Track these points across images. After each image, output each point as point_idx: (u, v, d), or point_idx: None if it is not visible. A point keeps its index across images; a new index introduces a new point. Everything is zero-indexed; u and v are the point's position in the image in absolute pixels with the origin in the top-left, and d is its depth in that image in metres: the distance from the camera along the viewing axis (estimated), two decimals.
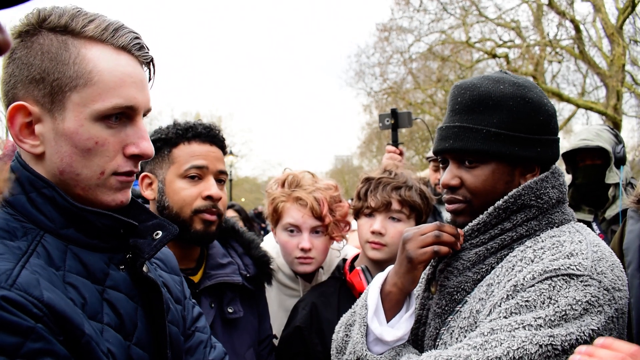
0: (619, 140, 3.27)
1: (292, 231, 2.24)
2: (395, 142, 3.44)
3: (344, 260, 2.29)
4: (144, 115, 1.22)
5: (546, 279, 1.27)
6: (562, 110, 23.66)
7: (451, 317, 1.44)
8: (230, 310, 1.87)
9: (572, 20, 17.17)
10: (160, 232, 1.24)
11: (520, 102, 1.43)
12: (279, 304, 2.35)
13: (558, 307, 1.23)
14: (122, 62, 1.15)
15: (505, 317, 1.27)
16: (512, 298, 1.29)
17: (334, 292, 2.15)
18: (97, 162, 1.14)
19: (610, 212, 3.21)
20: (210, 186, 1.82)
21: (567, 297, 1.24)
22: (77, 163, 1.13)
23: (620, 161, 3.19)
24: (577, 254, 1.31)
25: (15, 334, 0.93)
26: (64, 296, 1.04)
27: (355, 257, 2.29)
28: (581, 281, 1.25)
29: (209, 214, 1.82)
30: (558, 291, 1.25)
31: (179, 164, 1.82)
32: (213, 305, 1.85)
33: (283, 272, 2.36)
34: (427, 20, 20.44)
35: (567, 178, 3.62)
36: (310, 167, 2.54)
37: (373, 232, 2.13)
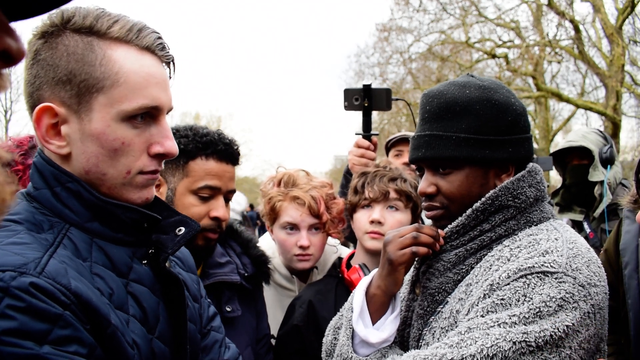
0: (607, 142, 3.39)
1: (290, 229, 2.27)
2: (367, 132, 2.60)
3: (340, 258, 2.32)
4: (167, 113, 1.23)
5: (521, 277, 1.29)
6: (562, 110, 23.70)
7: (433, 317, 1.46)
8: (228, 309, 1.89)
9: (572, 21, 17.18)
10: (182, 228, 1.26)
11: (486, 105, 1.44)
12: (275, 304, 2.36)
13: (532, 304, 1.24)
14: (146, 63, 1.16)
15: (481, 316, 1.28)
16: (489, 297, 1.31)
17: (330, 290, 2.17)
18: (123, 162, 1.15)
19: (598, 211, 3.31)
20: (219, 207, 1.82)
21: (541, 294, 1.25)
22: (104, 163, 1.14)
23: (608, 161, 3.30)
24: (552, 251, 1.32)
25: (43, 321, 0.95)
26: (91, 286, 1.06)
27: (351, 256, 2.31)
28: (555, 278, 1.27)
29: (212, 233, 1.84)
30: (532, 289, 1.26)
31: (193, 179, 1.80)
32: (211, 304, 1.86)
33: (279, 273, 2.39)
34: (427, 20, 20.45)
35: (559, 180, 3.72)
36: (310, 167, 2.54)
37: (372, 222, 2.16)
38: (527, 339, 1.20)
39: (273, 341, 2.18)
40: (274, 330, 2.21)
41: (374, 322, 1.50)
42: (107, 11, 1.16)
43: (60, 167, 1.15)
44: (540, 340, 1.21)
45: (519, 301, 1.26)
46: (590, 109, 17.79)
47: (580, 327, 1.25)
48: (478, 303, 1.32)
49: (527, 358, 1.20)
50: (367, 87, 2.54)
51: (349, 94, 2.56)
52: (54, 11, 1.13)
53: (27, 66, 1.15)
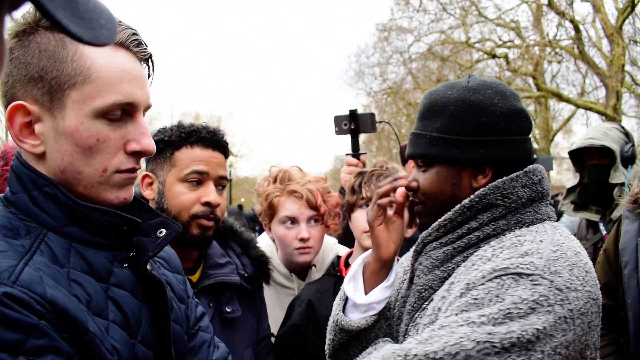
0: (629, 139, 3.19)
1: (289, 223, 2.29)
2: (356, 152, 2.90)
3: (339, 257, 2.34)
4: (144, 111, 1.21)
5: (495, 277, 1.28)
6: (562, 110, 23.76)
7: (418, 314, 1.47)
8: (228, 310, 1.88)
9: (572, 21, 17.20)
10: (164, 230, 1.23)
11: (460, 106, 1.45)
12: (275, 303, 2.38)
13: (503, 305, 1.22)
14: (119, 59, 1.14)
15: (455, 315, 1.27)
16: (464, 296, 1.30)
17: (329, 289, 2.18)
18: (99, 160, 1.13)
19: (616, 213, 3.11)
20: (209, 192, 1.82)
21: (513, 295, 1.23)
22: (79, 161, 1.12)
23: (629, 160, 3.11)
24: (532, 253, 1.31)
25: (17, 331, 0.92)
26: (68, 293, 1.03)
27: (350, 255, 2.32)
28: (531, 280, 1.24)
29: (206, 219, 1.82)
30: (506, 290, 1.25)
31: (180, 168, 1.81)
32: (211, 304, 1.86)
33: (278, 271, 2.40)
34: (427, 20, 20.50)
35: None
36: (310, 167, 2.59)
37: None
38: (491, 340, 1.18)
39: (273, 339, 2.19)
40: (274, 329, 2.23)
41: (368, 289, 1.56)
42: None
43: (37, 170, 1.12)
44: (506, 342, 1.18)
45: (491, 301, 1.25)
46: (591, 109, 17.80)
47: (554, 332, 1.21)
48: (455, 301, 1.32)
49: (493, 359, 1.18)
50: (353, 112, 2.84)
51: (338, 120, 2.85)
52: (28, 10, 1.10)
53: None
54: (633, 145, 3.13)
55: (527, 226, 1.43)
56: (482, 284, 1.29)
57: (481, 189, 1.44)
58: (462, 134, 1.44)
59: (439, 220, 1.48)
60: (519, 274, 1.26)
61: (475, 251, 1.43)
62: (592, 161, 3.23)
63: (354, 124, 2.83)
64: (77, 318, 1.01)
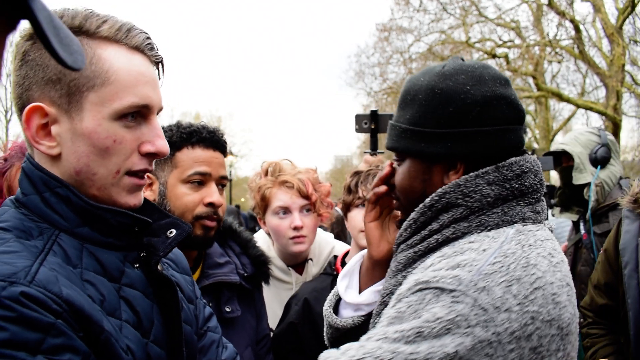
0: (601, 142, 3.28)
1: (282, 213, 2.32)
2: (374, 150, 3.10)
3: (335, 256, 2.36)
4: (157, 113, 1.23)
5: (418, 290, 1.16)
6: (562, 110, 23.75)
7: (377, 319, 1.35)
8: (228, 310, 1.89)
9: (572, 21, 17.19)
10: (174, 231, 1.25)
11: (429, 95, 1.30)
12: (273, 298, 2.40)
13: (417, 322, 1.11)
14: (136, 62, 1.16)
15: (383, 327, 1.18)
16: (392, 307, 1.20)
17: (326, 288, 2.19)
18: (114, 161, 1.15)
19: (588, 213, 3.28)
20: (212, 193, 1.83)
21: (429, 312, 1.11)
22: (95, 163, 1.13)
23: (597, 162, 3.24)
24: (465, 265, 1.15)
25: (35, 330, 0.93)
26: (83, 293, 1.05)
27: (346, 254, 2.33)
28: (453, 297, 1.11)
29: (210, 220, 1.83)
30: (425, 305, 1.13)
31: (182, 169, 1.82)
32: (211, 304, 1.86)
33: (275, 265, 2.42)
34: (427, 20, 20.49)
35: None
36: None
37: None
38: (392, 359, 1.09)
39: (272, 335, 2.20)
40: (272, 324, 2.24)
41: (363, 288, 1.52)
42: (96, 12, 1.16)
43: (49, 172, 1.14)
44: None
45: (410, 316, 1.14)
46: (591, 109, 17.79)
47: (473, 357, 1.08)
48: (387, 312, 1.23)
49: None
50: (374, 113, 3.09)
51: (359, 119, 3.09)
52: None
53: (15, 68, 1.14)
54: (604, 146, 3.26)
55: (489, 230, 1.25)
56: (406, 297, 1.18)
57: (443, 187, 1.30)
58: (429, 125, 1.30)
59: (405, 222, 1.37)
60: (441, 289, 1.13)
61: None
62: (563, 164, 3.48)
63: (374, 124, 3.02)
64: (93, 317, 1.02)
